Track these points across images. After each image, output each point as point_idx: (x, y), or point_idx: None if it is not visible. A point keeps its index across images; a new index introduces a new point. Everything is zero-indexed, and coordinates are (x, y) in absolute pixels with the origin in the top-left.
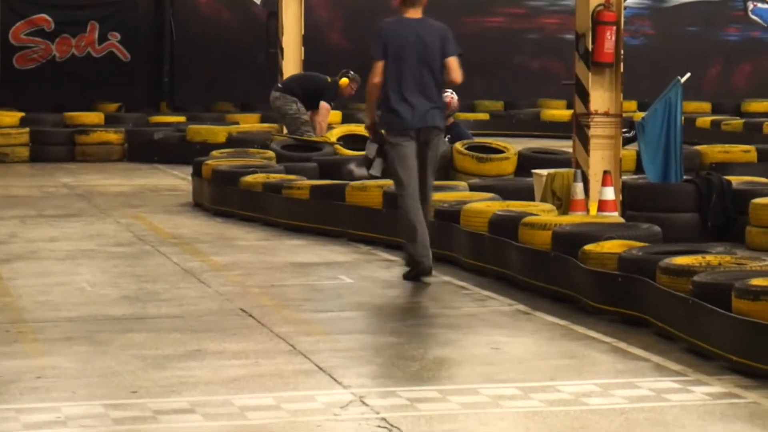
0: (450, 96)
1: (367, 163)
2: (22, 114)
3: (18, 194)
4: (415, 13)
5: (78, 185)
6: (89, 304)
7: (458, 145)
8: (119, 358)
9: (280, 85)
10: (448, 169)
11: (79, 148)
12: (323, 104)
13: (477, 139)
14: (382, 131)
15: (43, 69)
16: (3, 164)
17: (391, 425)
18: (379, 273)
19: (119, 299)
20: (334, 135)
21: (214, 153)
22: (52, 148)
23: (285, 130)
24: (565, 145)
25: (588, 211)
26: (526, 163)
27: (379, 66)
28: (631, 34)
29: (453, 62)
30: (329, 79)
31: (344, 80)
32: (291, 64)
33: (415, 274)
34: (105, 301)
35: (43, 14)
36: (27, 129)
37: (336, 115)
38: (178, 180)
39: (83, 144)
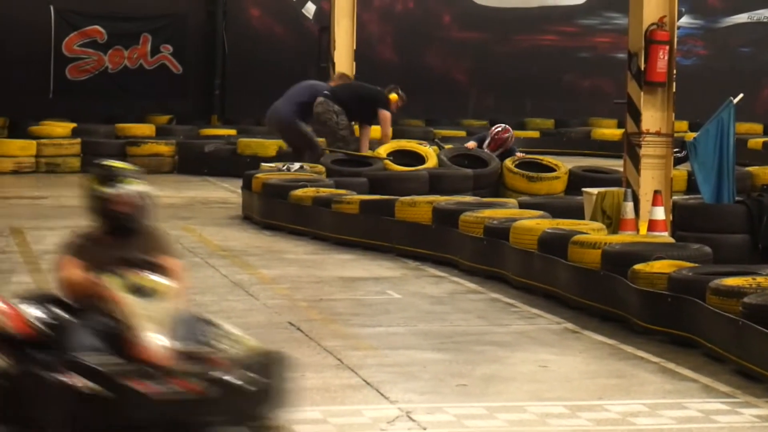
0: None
1: None
2: (74, 125)
3: (69, 204)
4: None
5: None
6: None
7: (509, 163)
8: None
9: (327, 91)
10: (498, 186)
11: (130, 159)
12: (383, 113)
13: (528, 156)
14: None
15: (95, 80)
16: (54, 174)
17: None
18: (427, 289)
19: None
20: (383, 150)
21: (264, 166)
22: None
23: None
24: (615, 164)
25: (638, 230)
26: (577, 181)
27: None
28: (684, 54)
29: None
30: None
31: (393, 96)
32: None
33: None
34: None
35: (96, 26)
36: (79, 140)
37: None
38: (228, 193)
39: (134, 155)
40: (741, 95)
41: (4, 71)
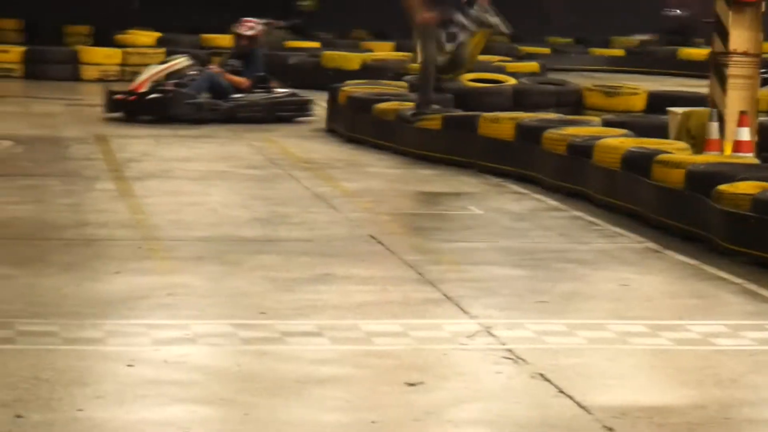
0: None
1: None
2: (159, 34)
3: None
4: None
5: None
6: (220, 224)
7: (587, 83)
8: (249, 279)
9: None
10: (578, 106)
11: None
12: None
13: (608, 77)
14: None
15: None
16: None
17: (517, 357)
18: (509, 205)
19: (250, 221)
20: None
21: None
22: None
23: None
24: (701, 85)
25: (723, 151)
26: (657, 100)
27: None
28: None
29: None
30: None
31: None
32: None
33: None
34: (236, 223)
35: None
36: (164, 49)
37: None
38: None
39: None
40: None
41: None
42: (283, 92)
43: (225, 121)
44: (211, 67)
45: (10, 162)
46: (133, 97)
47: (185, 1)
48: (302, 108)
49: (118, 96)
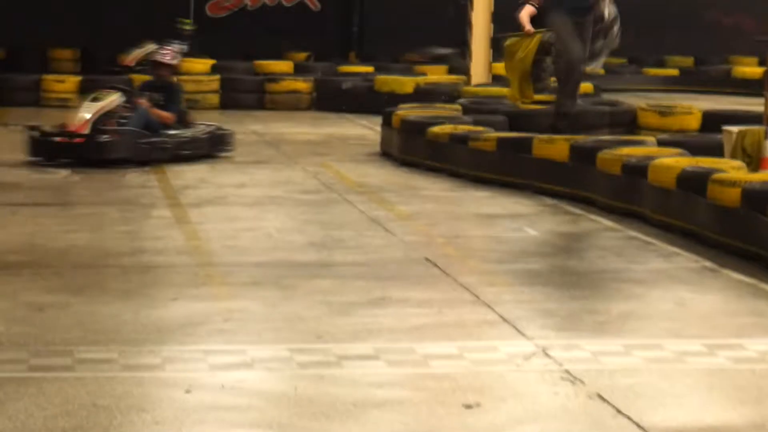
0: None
1: None
2: (213, 61)
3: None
4: None
5: (266, 132)
6: (276, 249)
7: (641, 103)
8: (305, 304)
9: None
10: (632, 126)
11: (269, 96)
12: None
13: (662, 97)
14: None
15: (234, 17)
16: (193, 110)
17: (574, 377)
18: (564, 226)
19: (305, 245)
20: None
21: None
22: (241, 95)
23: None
24: (756, 103)
25: None
26: (712, 119)
27: None
28: None
29: None
30: None
31: None
32: (481, 16)
33: None
34: (291, 247)
35: None
36: (218, 76)
37: None
38: (365, 129)
39: (272, 92)
40: None
41: (145, 8)
42: (211, 126)
43: (171, 160)
44: (140, 101)
45: (68, 191)
46: (78, 140)
47: (239, 28)
48: (228, 141)
49: (59, 139)
